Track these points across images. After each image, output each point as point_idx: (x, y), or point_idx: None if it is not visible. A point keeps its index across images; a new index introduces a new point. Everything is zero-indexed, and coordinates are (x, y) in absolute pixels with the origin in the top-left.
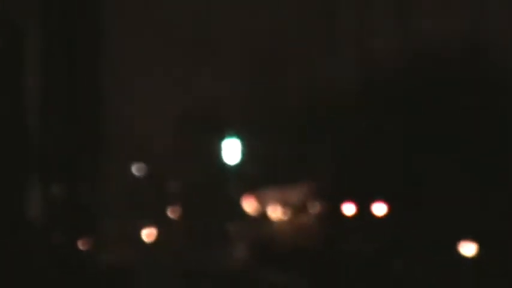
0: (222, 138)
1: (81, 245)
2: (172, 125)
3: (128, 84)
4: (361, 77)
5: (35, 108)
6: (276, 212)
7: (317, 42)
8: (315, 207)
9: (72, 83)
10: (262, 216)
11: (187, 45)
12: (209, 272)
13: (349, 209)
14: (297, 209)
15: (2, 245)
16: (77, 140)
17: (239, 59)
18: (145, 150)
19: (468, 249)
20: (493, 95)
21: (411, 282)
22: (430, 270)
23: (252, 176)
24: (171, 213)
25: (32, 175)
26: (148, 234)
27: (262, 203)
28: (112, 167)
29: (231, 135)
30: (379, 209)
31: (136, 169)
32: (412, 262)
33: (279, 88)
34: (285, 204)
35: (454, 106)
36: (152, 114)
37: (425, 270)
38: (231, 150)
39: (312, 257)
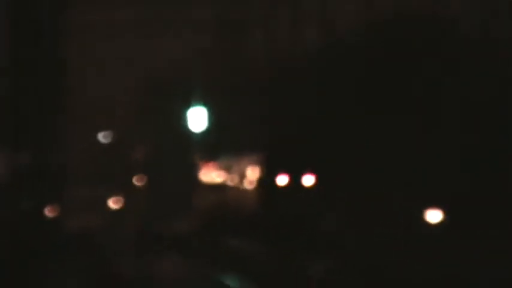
0: (186, 106)
1: (48, 211)
2: (137, 93)
3: (91, 53)
4: (322, 47)
5: (1, 76)
6: (230, 181)
7: (279, 10)
8: (257, 177)
9: (36, 52)
10: (220, 184)
11: (149, 13)
12: (171, 236)
13: (282, 179)
14: (245, 179)
15: None
16: (44, 107)
17: (204, 27)
18: (111, 118)
19: (434, 216)
20: (448, 64)
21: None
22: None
23: (213, 144)
24: (137, 180)
25: None
26: (114, 200)
27: (219, 171)
28: (79, 135)
29: (195, 103)
30: (309, 180)
31: (102, 137)
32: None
33: (241, 57)
34: (235, 173)
35: (405, 75)
36: (117, 82)
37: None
38: (196, 118)
39: (256, 222)
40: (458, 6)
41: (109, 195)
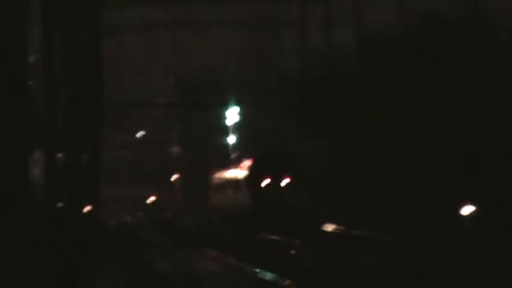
0: (219, 106)
1: (86, 210)
2: (172, 93)
3: (127, 53)
4: (357, 47)
5: (38, 81)
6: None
7: (312, 9)
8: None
9: (75, 54)
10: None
11: (184, 14)
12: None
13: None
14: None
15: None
16: (80, 109)
17: (235, 28)
18: (148, 118)
19: (467, 210)
20: (489, 59)
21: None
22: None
23: (245, 143)
24: (172, 178)
25: (36, 144)
26: (149, 198)
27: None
28: (116, 135)
29: (228, 103)
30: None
31: (139, 137)
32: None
33: (271, 57)
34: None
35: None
36: (153, 82)
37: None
38: (230, 117)
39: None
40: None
41: (145, 193)
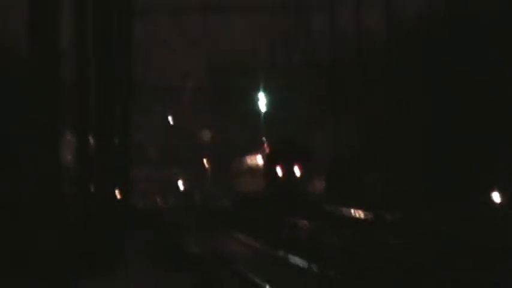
0: (251, 88)
1: (117, 193)
2: (201, 76)
3: (156, 35)
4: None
5: (70, 63)
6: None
7: None
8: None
9: (106, 37)
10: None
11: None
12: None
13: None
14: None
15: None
16: (111, 92)
17: (268, 10)
18: (177, 101)
19: (497, 198)
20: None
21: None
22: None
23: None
24: (201, 162)
25: (66, 127)
26: (180, 180)
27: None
28: (146, 118)
29: (259, 85)
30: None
31: (170, 119)
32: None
33: (302, 41)
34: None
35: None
36: (182, 65)
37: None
38: (259, 101)
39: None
40: None
41: (175, 176)
